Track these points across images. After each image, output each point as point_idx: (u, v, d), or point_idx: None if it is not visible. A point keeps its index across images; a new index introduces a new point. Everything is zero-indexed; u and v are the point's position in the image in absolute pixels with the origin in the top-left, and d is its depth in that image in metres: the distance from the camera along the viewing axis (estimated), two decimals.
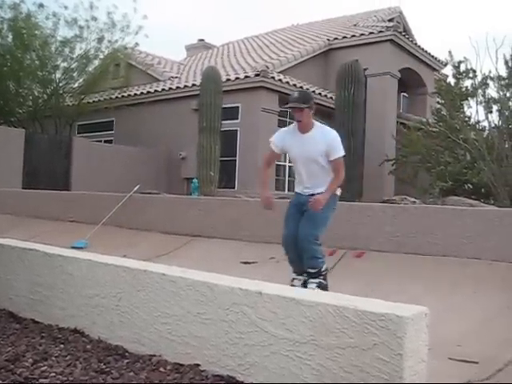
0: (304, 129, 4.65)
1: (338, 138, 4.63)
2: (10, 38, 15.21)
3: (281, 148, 4.82)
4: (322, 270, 4.66)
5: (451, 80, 12.85)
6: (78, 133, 17.34)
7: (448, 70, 16.80)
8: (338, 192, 4.78)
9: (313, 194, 4.58)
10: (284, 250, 4.78)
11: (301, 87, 14.60)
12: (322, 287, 4.58)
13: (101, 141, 16.51)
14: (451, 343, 3.45)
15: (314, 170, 4.63)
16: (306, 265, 4.62)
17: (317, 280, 4.60)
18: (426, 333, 2.09)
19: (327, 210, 4.58)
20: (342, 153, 4.60)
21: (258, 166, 4.56)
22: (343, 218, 6.17)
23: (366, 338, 2.02)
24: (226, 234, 7.21)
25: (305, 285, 4.63)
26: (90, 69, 16.26)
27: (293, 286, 4.56)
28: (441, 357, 3.03)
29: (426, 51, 18.20)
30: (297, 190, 4.86)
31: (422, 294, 4.57)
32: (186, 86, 15.07)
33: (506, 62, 10.57)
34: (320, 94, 15.27)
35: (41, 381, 2.37)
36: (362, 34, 16.83)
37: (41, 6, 15.22)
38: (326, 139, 4.57)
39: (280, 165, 14.85)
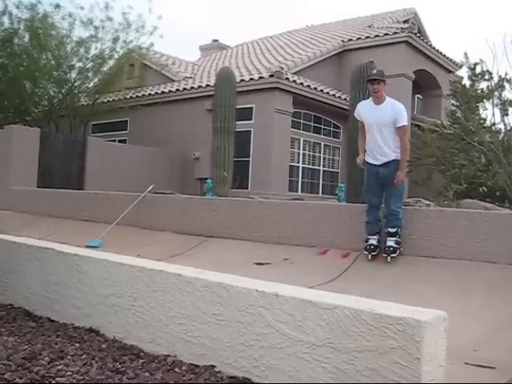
0: (379, 100, 5.78)
1: (404, 109, 5.82)
2: (26, 38, 15.34)
3: (359, 116, 6.02)
4: (400, 230, 5.75)
5: (466, 82, 12.76)
6: (93, 132, 17.44)
7: (463, 72, 16.69)
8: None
9: (385, 164, 5.71)
10: (366, 214, 5.94)
11: (315, 88, 14.58)
12: (398, 243, 5.71)
13: (115, 140, 16.59)
14: (467, 347, 3.42)
15: (385, 135, 5.70)
16: (388, 225, 5.75)
17: (394, 238, 5.70)
18: (443, 337, 2.07)
19: (402, 182, 5.78)
20: (405, 122, 5.72)
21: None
22: (357, 220, 6.16)
23: (383, 341, 2.01)
24: (239, 234, 7.22)
25: (378, 242, 5.85)
26: (105, 69, 16.33)
27: (368, 245, 5.84)
28: (457, 361, 3.00)
29: (440, 53, 18.09)
30: (369, 160, 5.88)
31: (436, 298, 4.54)
32: (200, 87, 15.10)
33: None
34: (334, 95, 15.23)
35: (57, 379, 2.38)
36: (377, 36, 16.77)
37: (57, 6, 15.33)
38: (393, 109, 5.71)
39: (293, 166, 14.84)
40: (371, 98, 5.94)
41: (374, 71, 5.98)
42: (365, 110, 5.96)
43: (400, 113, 5.72)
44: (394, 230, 5.71)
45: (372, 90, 5.81)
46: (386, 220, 5.80)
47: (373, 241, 5.88)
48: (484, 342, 3.65)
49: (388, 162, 5.73)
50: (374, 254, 5.83)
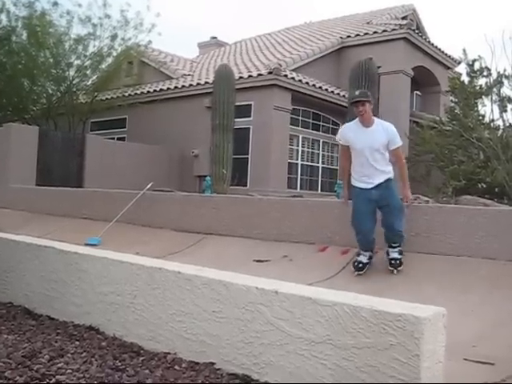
0: (368, 122, 5.38)
1: (396, 131, 5.47)
2: (24, 36, 15.31)
3: (346, 141, 5.55)
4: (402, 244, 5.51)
5: (465, 78, 12.76)
6: (91, 130, 17.42)
7: (462, 69, 16.69)
8: (392, 176, 5.49)
9: (378, 185, 5.32)
10: (358, 240, 5.56)
11: (313, 85, 14.57)
12: (402, 253, 5.48)
13: (114, 138, 16.57)
14: (466, 344, 3.43)
15: (377, 158, 5.33)
16: (390, 241, 5.48)
17: (397, 248, 5.46)
18: (443, 334, 2.08)
19: (398, 197, 5.48)
20: (400, 143, 5.47)
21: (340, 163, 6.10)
22: None
23: (382, 338, 2.01)
24: (238, 231, 7.22)
25: (370, 259, 5.57)
26: (104, 66, 16.31)
27: (357, 262, 5.51)
28: (456, 357, 3.01)
29: (439, 49, 18.08)
30: (360, 185, 5.45)
31: (435, 295, 4.54)
32: (198, 84, 15.09)
33: None
34: (333, 92, 15.22)
35: (57, 377, 2.38)
36: (375, 32, 16.75)
37: (55, 4, 15.30)
38: (386, 131, 5.36)
39: (292, 163, 14.84)
40: (357, 120, 5.47)
41: (357, 92, 5.56)
42: (352, 133, 5.48)
43: (393, 134, 5.39)
44: (397, 244, 5.47)
45: (357, 113, 5.37)
46: (388, 237, 5.48)
47: (363, 258, 5.55)
48: (483, 338, 3.66)
49: (381, 183, 5.36)
50: (360, 273, 5.49)
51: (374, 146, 5.30)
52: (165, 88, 15.95)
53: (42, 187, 11.67)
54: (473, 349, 3.39)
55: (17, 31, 15.23)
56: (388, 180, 5.40)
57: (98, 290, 3.20)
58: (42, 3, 20.79)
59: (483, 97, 11.94)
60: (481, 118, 12.10)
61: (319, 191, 15.70)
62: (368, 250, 5.56)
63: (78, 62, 15.76)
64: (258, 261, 6.23)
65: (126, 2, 25.72)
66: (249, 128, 14.00)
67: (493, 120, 11.53)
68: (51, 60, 15.33)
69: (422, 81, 18.37)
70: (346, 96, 12.51)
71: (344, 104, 13.83)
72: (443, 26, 60.70)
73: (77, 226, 8.99)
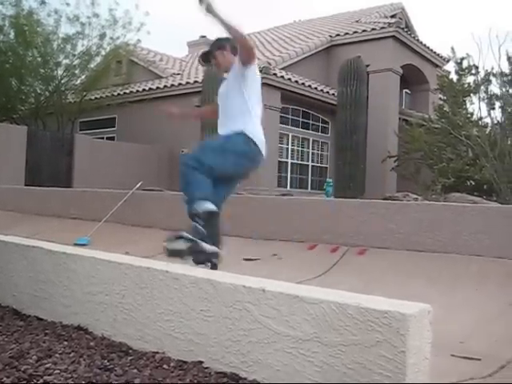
0: (228, 67, 4.23)
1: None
2: (11, 35, 15.24)
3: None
4: (200, 211, 3.74)
5: (453, 76, 12.83)
6: (80, 130, 17.36)
7: (450, 67, 16.78)
8: (241, 131, 3.95)
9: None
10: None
11: (303, 84, 14.59)
12: (197, 231, 3.71)
13: (103, 138, 16.53)
14: (453, 340, 3.45)
15: (228, 108, 4.13)
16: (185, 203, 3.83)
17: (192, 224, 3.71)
18: (429, 330, 2.09)
19: (224, 143, 4.01)
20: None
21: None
22: (346, 215, 6.18)
23: (369, 335, 2.02)
24: (227, 230, 7.21)
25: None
26: (92, 66, 16.28)
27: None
28: (443, 353, 3.03)
29: (428, 47, 18.18)
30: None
31: (424, 291, 4.57)
32: (188, 83, 15.07)
33: (509, 59, 10.58)
34: (322, 90, 15.25)
35: (45, 378, 2.37)
36: (364, 31, 16.81)
37: (43, 2, 15.26)
38: (235, 62, 4.08)
39: (282, 161, 14.85)
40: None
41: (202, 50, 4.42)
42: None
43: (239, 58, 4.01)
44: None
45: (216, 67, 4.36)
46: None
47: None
48: (471, 334, 3.68)
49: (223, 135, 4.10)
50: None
51: (225, 90, 4.18)
52: (154, 87, 15.92)
53: (31, 187, 11.62)
54: (460, 345, 3.41)
55: (4, 30, 15.16)
56: (235, 132, 3.95)
57: (86, 290, 3.18)
58: (30, 2, 20.66)
59: (471, 95, 12.03)
60: (469, 115, 12.19)
61: (309, 189, 15.73)
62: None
63: (66, 61, 15.74)
64: (247, 259, 6.24)
65: (114, 1, 25.57)
66: None
67: (481, 118, 11.63)
68: (39, 59, 15.27)
69: (411, 79, 18.45)
70: (336, 94, 12.53)
71: (333, 102, 13.85)
72: (432, 25, 61.01)
73: (66, 226, 8.95)
